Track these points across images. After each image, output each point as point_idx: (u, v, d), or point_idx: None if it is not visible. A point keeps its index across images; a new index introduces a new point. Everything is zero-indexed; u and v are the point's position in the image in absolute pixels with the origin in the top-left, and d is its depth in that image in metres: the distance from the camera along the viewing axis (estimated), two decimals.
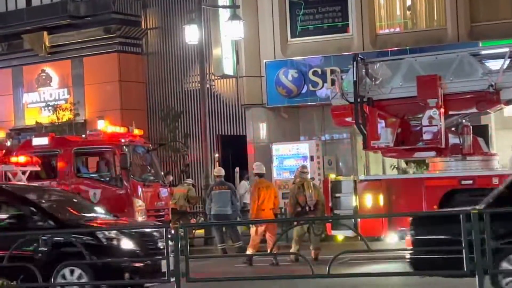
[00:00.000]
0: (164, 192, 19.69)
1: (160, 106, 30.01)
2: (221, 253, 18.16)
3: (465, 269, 9.61)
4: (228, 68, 25.95)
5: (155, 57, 30.76)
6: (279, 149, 24.36)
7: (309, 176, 18.08)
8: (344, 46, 24.41)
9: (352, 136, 24.82)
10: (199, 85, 24.20)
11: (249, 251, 16.65)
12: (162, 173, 21.30)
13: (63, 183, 18.84)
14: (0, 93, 32.10)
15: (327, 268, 10.37)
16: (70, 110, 29.56)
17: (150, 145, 21.06)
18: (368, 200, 15.61)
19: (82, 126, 29.40)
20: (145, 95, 30.94)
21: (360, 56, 16.51)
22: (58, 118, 29.25)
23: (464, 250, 9.57)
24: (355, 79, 15.85)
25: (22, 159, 17.93)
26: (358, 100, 15.81)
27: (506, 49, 15.46)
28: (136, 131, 20.38)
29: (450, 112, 15.62)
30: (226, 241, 18.81)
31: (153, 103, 30.71)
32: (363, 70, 16.06)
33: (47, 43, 30.92)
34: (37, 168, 18.14)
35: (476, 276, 9.47)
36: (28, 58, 31.53)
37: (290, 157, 24.03)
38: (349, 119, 16.33)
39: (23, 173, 17.30)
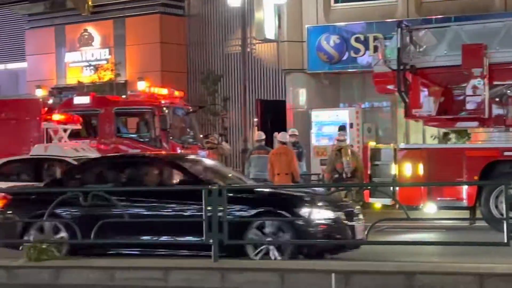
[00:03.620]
0: (202, 154, 19.76)
1: (200, 69, 29.97)
2: None
3: None
4: (270, 32, 25.81)
5: (197, 19, 30.65)
6: (319, 116, 24.28)
7: (347, 142, 18.01)
8: (387, 13, 24.08)
9: (392, 104, 24.59)
10: (240, 48, 24.15)
11: None
12: (201, 136, 21.35)
13: (103, 142, 19.05)
14: (43, 51, 32.34)
15: (365, 235, 10.36)
16: (111, 70, 29.69)
17: (190, 108, 21.10)
18: (408, 168, 15.48)
19: (123, 86, 29.50)
20: (186, 58, 30.90)
21: (404, 22, 16.29)
22: (99, 78, 29.42)
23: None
24: (398, 46, 15.65)
25: (63, 117, 18.11)
26: (401, 67, 15.62)
27: None
28: (177, 93, 20.42)
29: (495, 82, 15.37)
30: None
31: (193, 65, 30.67)
32: (407, 37, 15.85)
33: (90, 3, 30.96)
34: (78, 127, 18.32)
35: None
36: (71, 17, 31.65)
37: (329, 124, 23.93)
38: (391, 87, 16.16)
39: (64, 131, 17.47)
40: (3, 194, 12.28)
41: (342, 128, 20.64)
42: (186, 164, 12.15)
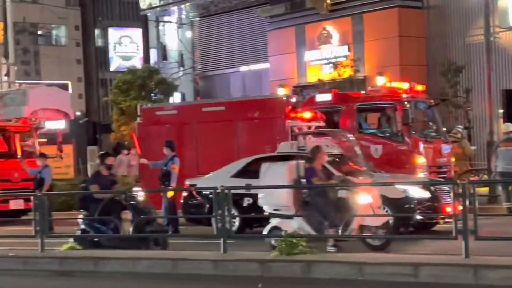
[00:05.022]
0: (446, 148, 19.32)
1: (440, 61, 29.35)
2: (507, 212, 17.48)
3: None
4: None
5: (437, 11, 30.05)
6: None
7: None
8: None
9: None
10: (482, 38, 23.31)
11: None
12: (444, 129, 20.86)
13: None
14: (284, 51, 33.36)
15: None
16: (351, 66, 29.95)
17: (431, 101, 20.70)
18: None
19: (362, 82, 29.67)
20: (425, 50, 30.42)
21: None
22: (338, 75, 29.79)
23: None
24: None
25: (307, 114, 18.53)
26: None
27: None
28: (418, 87, 20.13)
29: None
30: None
31: (433, 58, 30.12)
32: None
33: (328, 1, 31.47)
34: (321, 124, 18.63)
35: None
36: (310, 17, 32.37)
37: None
38: None
39: (308, 128, 17.86)
40: None
41: None
42: None
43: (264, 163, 13.80)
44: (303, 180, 12.60)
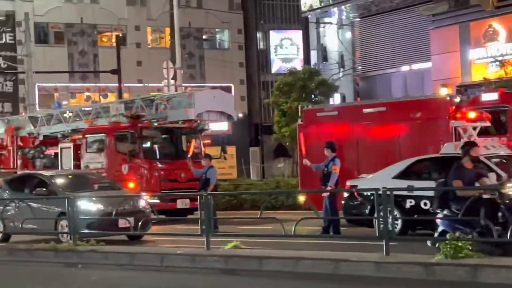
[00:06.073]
0: None
1: None
2: None
3: None
4: None
5: None
6: None
7: None
8: None
9: None
10: None
11: None
12: None
13: None
14: (448, 50, 32.61)
15: None
16: None
17: None
18: None
19: None
20: None
21: None
22: (506, 73, 28.79)
23: None
24: None
25: (472, 114, 18.01)
26: None
27: None
28: None
29: None
30: None
31: None
32: None
33: None
34: (487, 124, 18.07)
35: None
36: (474, 14, 31.47)
37: None
38: None
39: (474, 128, 17.38)
40: None
41: None
42: None
43: None
44: None
